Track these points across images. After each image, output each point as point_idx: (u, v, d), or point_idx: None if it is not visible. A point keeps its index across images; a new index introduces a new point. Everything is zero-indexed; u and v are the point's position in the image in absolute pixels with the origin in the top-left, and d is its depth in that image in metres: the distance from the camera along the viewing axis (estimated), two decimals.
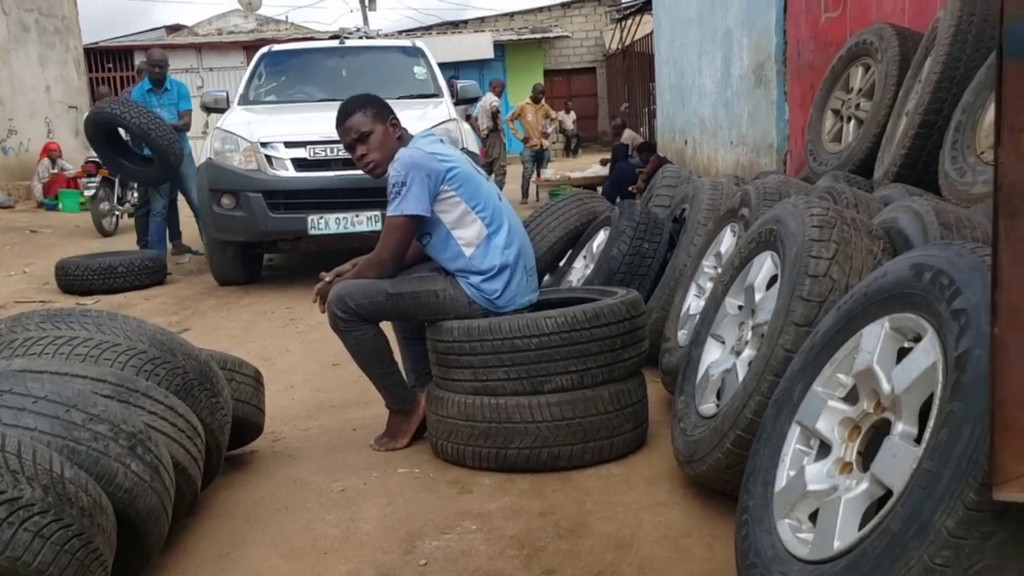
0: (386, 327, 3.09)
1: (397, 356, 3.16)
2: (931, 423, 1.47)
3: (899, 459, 1.52)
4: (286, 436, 3.36)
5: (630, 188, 9.46)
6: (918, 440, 1.53)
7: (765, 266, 2.51)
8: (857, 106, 4.50)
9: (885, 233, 2.27)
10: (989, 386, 1.22)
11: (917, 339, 1.63)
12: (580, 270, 4.26)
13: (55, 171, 13.27)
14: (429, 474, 2.85)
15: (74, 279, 6.55)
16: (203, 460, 2.40)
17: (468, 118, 11.45)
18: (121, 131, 7.41)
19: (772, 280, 2.47)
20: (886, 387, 1.65)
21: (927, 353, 1.55)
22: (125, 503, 1.89)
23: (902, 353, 1.67)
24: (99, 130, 7.38)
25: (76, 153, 15.26)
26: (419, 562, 2.26)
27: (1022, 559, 1.26)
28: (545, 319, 2.72)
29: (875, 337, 1.72)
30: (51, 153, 13.39)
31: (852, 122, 4.53)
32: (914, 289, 1.63)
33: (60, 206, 12.69)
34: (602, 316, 2.75)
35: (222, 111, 6.95)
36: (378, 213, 5.84)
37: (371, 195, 5.77)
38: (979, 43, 3.45)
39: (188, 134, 7.89)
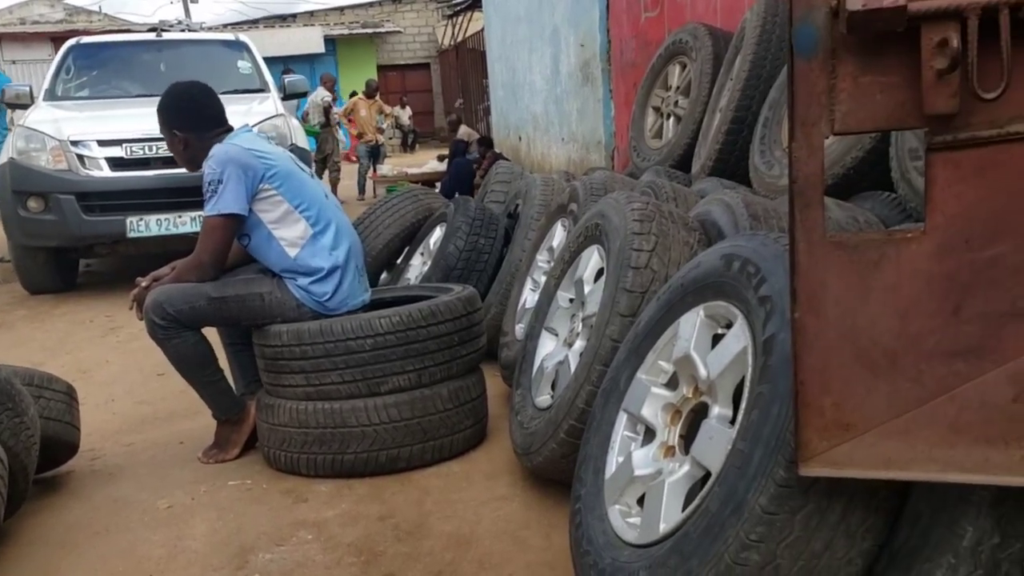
0: (211, 333, 2.95)
1: (224, 364, 3.03)
2: (743, 405, 1.54)
3: (716, 441, 1.58)
4: (106, 453, 3.15)
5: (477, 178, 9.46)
6: (733, 422, 1.60)
7: (592, 259, 2.57)
8: (676, 103, 4.70)
9: (700, 225, 2.38)
10: (792, 367, 1.28)
11: (729, 325, 1.71)
12: (418, 267, 4.23)
13: None
14: (262, 485, 2.75)
15: None
16: (6, 486, 2.21)
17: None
18: None
19: (600, 273, 2.53)
20: (703, 372, 1.72)
21: (738, 338, 1.63)
22: None
23: (717, 339, 1.75)
24: None
25: None
26: None
27: (827, 529, 1.34)
28: (379, 319, 2.67)
29: (691, 325, 1.80)
30: None
31: (672, 119, 4.73)
32: (725, 278, 1.71)
33: None
34: (438, 313, 2.73)
35: (25, 107, 6.43)
36: (202, 213, 5.58)
37: (195, 194, 5.44)
38: (782, 43, 3.68)
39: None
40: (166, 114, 2.94)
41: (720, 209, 2.42)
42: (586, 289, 2.57)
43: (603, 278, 2.40)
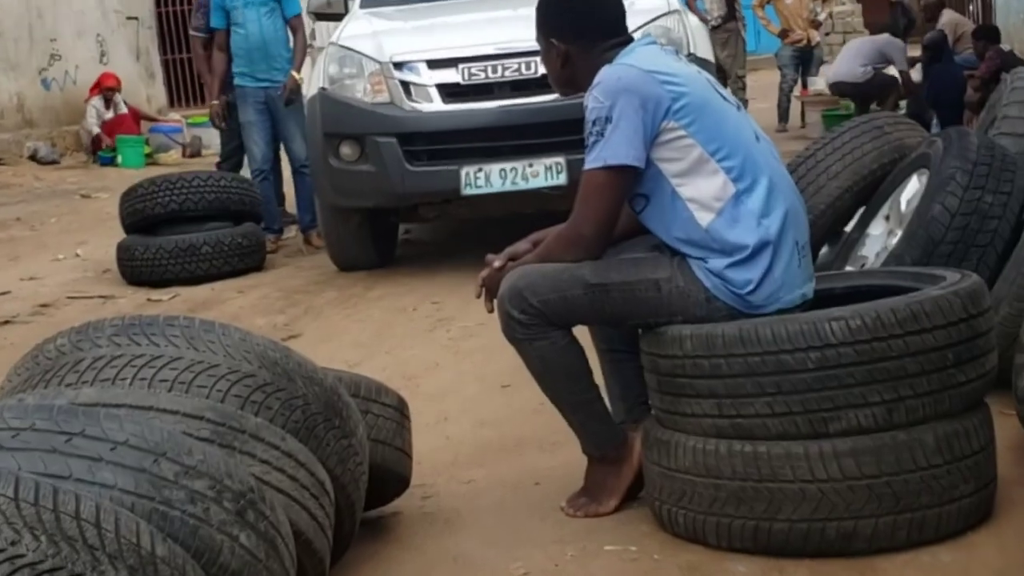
0: (584, 335, 3.13)
1: (599, 378, 3.20)
2: None
3: None
4: (440, 491, 3.46)
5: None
6: None
7: None
8: None
9: None
10: None
11: None
12: (880, 239, 4.17)
13: (110, 114, 14.20)
14: (652, 555, 2.87)
15: (142, 264, 7.03)
16: (332, 527, 2.52)
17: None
18: None
19: None
20: None
21: None
22: None
23: None
24: None
25: (137, 85, 16.20)
26: None
27: None
28: (830, 323, 2.67)
29: None
30: (106, 90, 14.30)
31: None
32: None
33: (119, 159, 13.68)
34: (922, 317, 2.67)
35: (338, 18, 7.15)
36: (561, 159, 5.90)
37: (553, 133, 5.84)
38: None
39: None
40: (544, 15, 3.15)
41: None
42: None
43: None
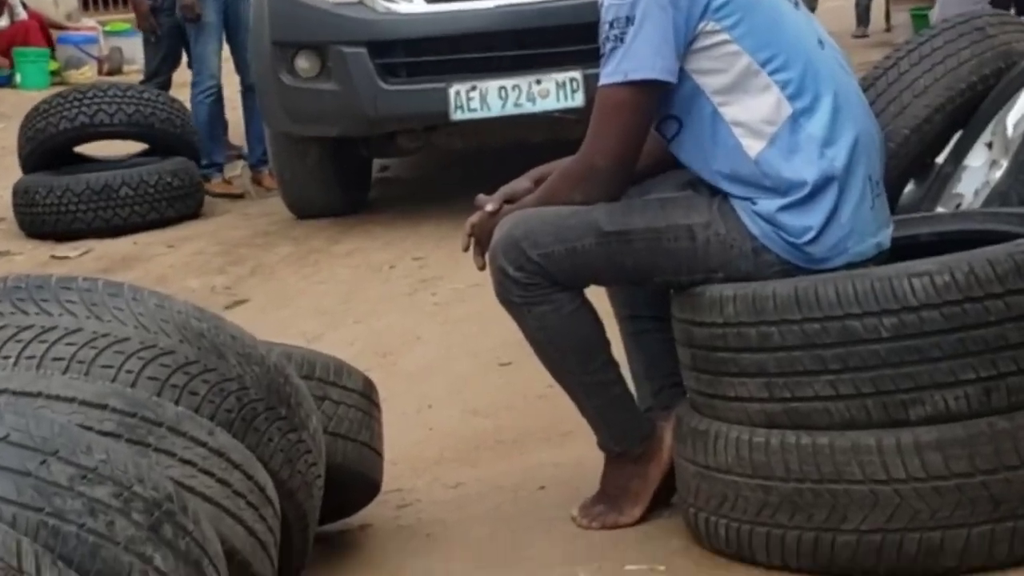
0: (599, 298, 3.11)
1: (619, 352, 3.19)
2: None
3: None
4: (420, 498, 3.48)
5: None
6: None
7: None
8: None
9: None
10: None
11: None
12: (980, 172, 4.14)
13: (4, 21, 14.11)
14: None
15: (45, 211, 7.02)
16: (277, 544, 2.50)
17: None
18: None
19: None
20: None
21: None
22: None
23: None
24: None
25: None
26: None
27: None
28: (910, 279, 2.65)
29: None
30: None
31: None
32: None
33: (18, 78, 13.64)
34: None
35: None
36: (576, 75, 5.91)
37: (564, 40, 5.85)
38: None
39: None
40: None
41: None
42: None
43: None
